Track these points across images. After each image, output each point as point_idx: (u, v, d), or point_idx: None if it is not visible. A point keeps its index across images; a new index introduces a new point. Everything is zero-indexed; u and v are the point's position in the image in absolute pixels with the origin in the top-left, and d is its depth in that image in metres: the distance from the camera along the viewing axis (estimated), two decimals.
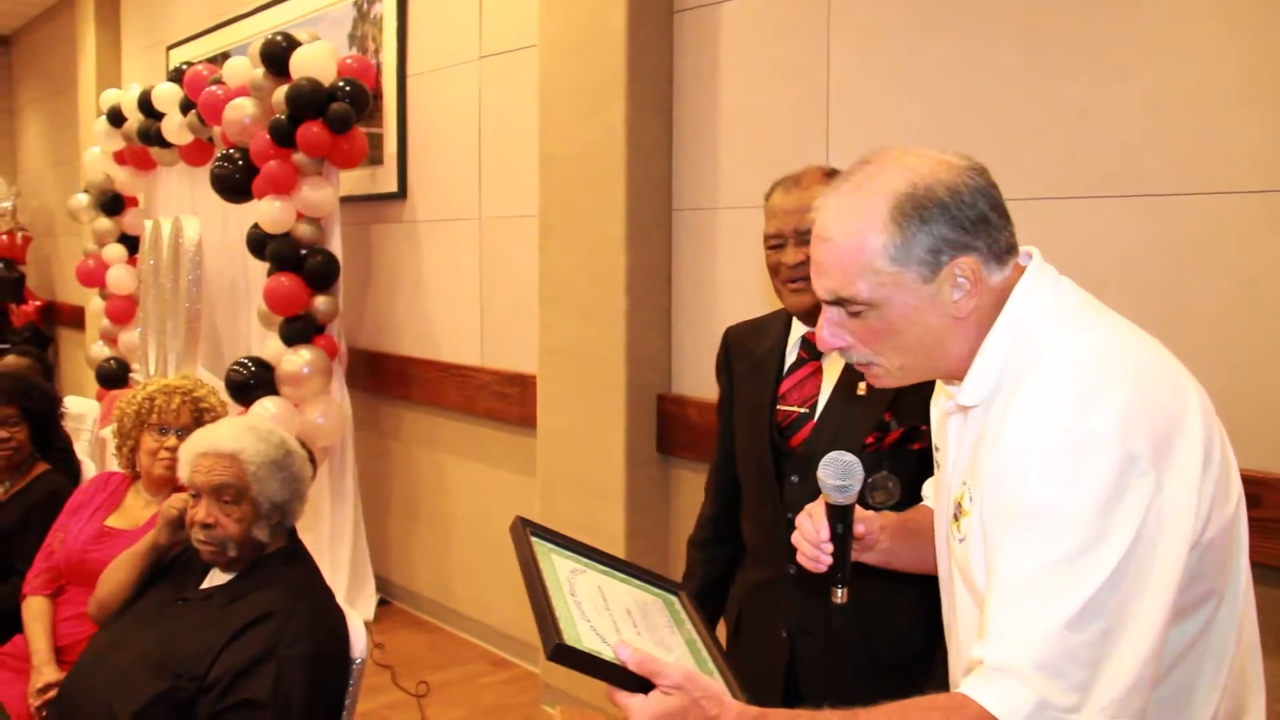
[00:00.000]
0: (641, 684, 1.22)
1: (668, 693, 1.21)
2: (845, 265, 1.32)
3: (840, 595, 1.51)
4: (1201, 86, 2.31)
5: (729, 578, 2.31)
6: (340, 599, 2.38)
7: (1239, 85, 2.25)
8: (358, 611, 4.11)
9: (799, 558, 1.56)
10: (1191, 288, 2.32)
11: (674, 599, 1.62)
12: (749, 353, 2.25)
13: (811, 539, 1.52)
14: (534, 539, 1.48)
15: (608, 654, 1.24)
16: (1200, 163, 2.32)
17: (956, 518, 1.39)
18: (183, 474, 2.34)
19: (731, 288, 3.40)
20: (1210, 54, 2.29)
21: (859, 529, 1.55)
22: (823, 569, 1.52)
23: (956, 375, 1.38)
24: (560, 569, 1.45)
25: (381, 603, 5.01)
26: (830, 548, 1.51)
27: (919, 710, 1.20)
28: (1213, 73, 2.29)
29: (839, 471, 1.48)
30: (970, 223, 1.30)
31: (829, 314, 1.38)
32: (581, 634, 1.27)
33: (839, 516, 1.50)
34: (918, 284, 1.30)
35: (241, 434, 2.30)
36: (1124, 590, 1.15)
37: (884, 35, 2.93)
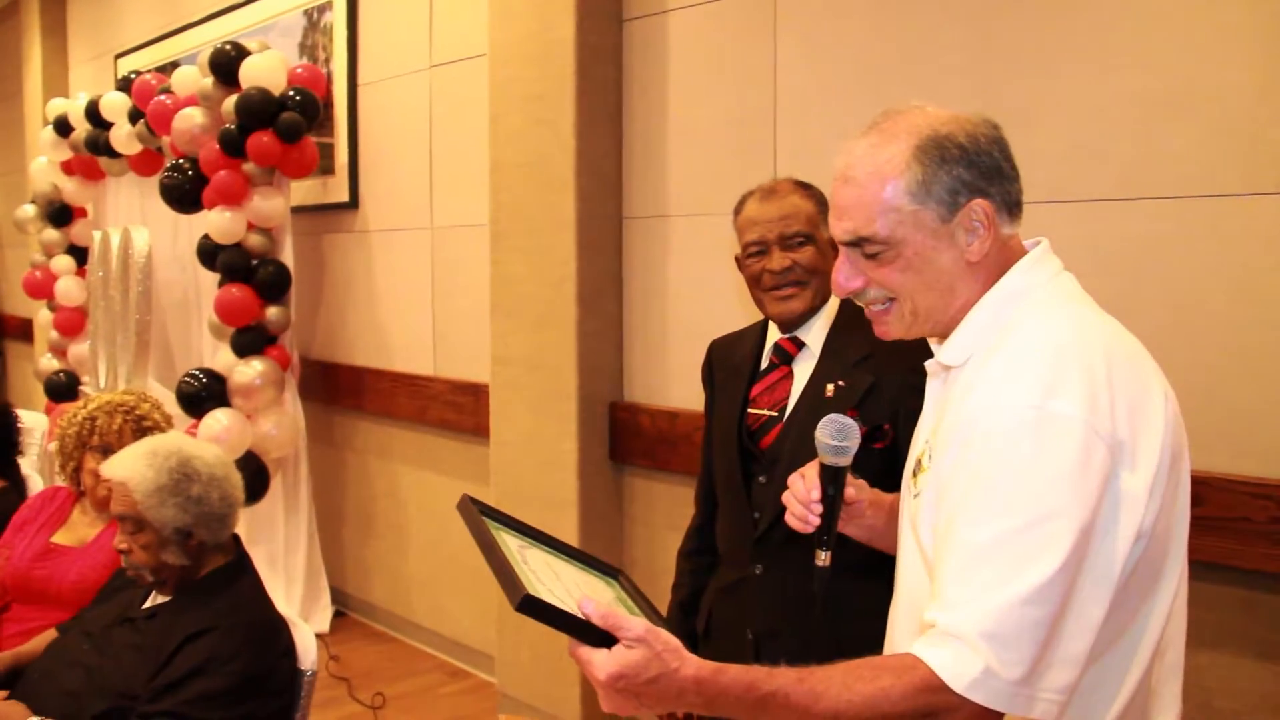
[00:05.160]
0: (603, 639, 1.23)
1: (630, 646, 1.21)
2: (867, 203, 1.38)
3: (824, 558, 1.53)
4: (1146, 92, 2.35)
5: None
6: (295, 611, 2.38)
7: (1183, 91, 2.30)
8: (312, 624, 4.10)
9: (786, 517, 1.57)
10: (1134, 291, 2.36)
11: (615, 581, 1.64)
12: (727, 361, 2.29)
13: (802, 498, 1.54)
14: (483, 517, 1.50)
15: (571, 608, 1.25)
16: (1145, 168, 2.36)
17: (915, 474, 1.43)
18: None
19: (683, 295, 3.42)
20: (1154, 60, 2.34)
21: (849, 493, 1.56)
22: (809, 529, 1.54)
23: (950, 333, 1.42)
24: (510, 543, 1.47)
25: (337, 614, 4.99)
26: (819, 508, 1.53)
27: (870, 669, 1.22)
28: (1157, 78, 2.33)
29: (837, 432, 1.51)
30: (986, 168, 1.38)
31: (845, 256, 1.43)
32: (541, 594, 1.28)
33: (831, 478, 1.53)
34: (935, 223, 1.37)
35: (134, 461, 2.25)
36: (1076, 569, 1.19)
37: (830, 43, 2.97)
